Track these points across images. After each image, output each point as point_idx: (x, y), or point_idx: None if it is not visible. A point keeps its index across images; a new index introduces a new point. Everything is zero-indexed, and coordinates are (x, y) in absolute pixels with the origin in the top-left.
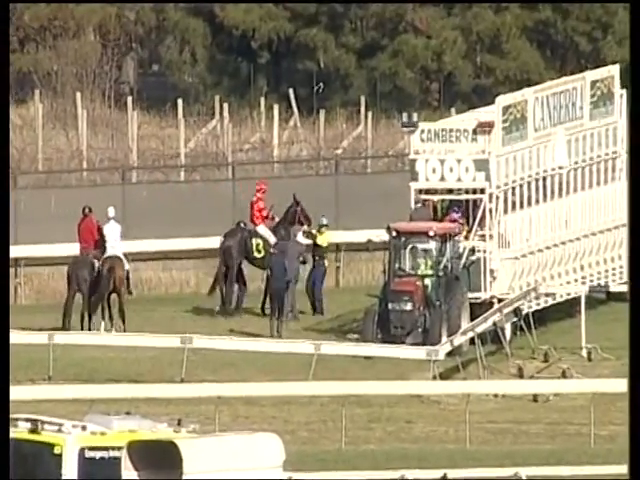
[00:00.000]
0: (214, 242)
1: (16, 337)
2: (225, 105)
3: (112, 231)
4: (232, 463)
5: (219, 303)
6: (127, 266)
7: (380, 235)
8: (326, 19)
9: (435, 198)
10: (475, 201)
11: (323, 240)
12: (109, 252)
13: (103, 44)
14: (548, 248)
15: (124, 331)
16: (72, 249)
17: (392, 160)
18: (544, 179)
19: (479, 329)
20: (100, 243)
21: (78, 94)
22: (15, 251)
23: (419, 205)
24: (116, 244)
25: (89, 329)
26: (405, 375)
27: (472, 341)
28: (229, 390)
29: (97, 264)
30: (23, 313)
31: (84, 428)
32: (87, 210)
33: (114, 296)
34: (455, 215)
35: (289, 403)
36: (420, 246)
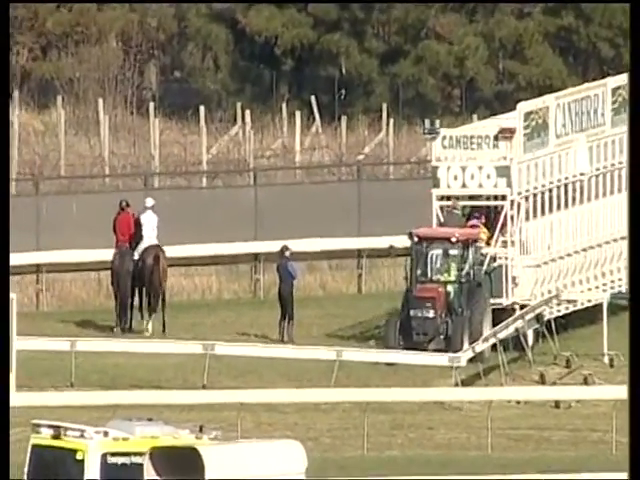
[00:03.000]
0: (236, 248)
1: (38, 344)
2: (247, 111)
3: (149, 221)
4: (254, 470)
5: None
6: None
7: (401, 241)
8: (348, 25)
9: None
10: (497, 208)
11: None
12: (147, 242)
13: (125, 50)
14: (569, 255)
15: (164, 330)
16: (95, 255)
17: (414, 167)
18: (565, 186)
19: (501, 335)
20: (137, 234)
21: (100, 100)
22: (37, 257)
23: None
24: (153, 234)
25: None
26: (427, 382)
27: (494, 347)
28: (251, 397)
29: (136, 256)
30: (45, 320)
31: (106, 434)
32: (124, 204)
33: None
34: (475, 221)
35: (311, 410)
36: (442, 252)
